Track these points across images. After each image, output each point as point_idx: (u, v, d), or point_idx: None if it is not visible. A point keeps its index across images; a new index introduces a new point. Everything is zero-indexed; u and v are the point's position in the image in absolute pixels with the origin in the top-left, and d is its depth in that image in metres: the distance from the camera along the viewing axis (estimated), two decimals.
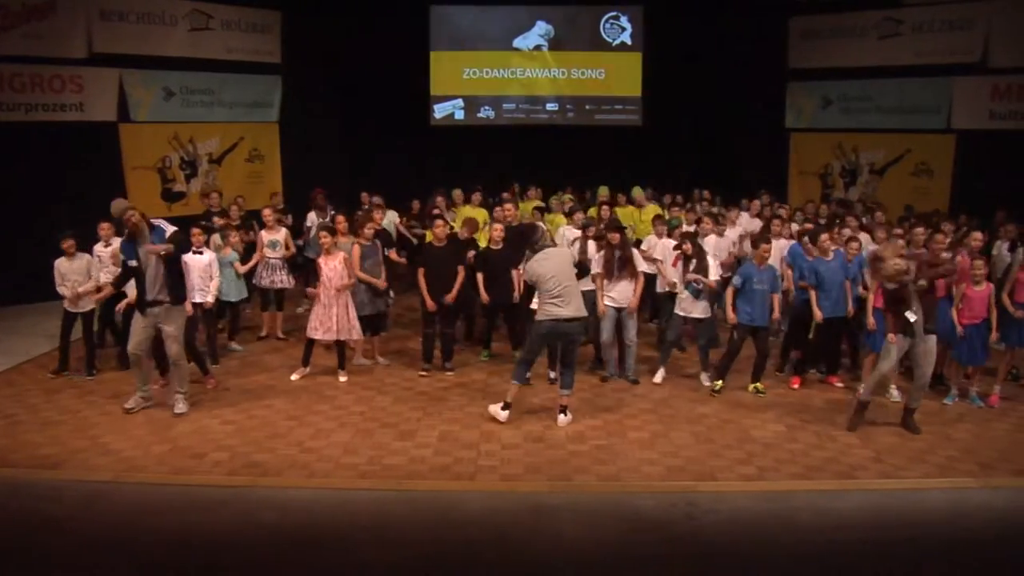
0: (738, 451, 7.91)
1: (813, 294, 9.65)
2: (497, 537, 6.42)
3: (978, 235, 10.09)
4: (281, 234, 11.73)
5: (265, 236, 11.59)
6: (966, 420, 8.80)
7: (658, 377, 9.99)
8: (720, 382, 9.62)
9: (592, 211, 13.05)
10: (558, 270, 8.43)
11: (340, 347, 10.09)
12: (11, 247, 13.10)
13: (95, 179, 14.13)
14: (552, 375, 9.87)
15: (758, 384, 9.62)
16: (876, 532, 6.48)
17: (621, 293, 9.75)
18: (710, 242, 11.30)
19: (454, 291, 10.21)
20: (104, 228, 10.36)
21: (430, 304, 10.14)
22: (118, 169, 15.24)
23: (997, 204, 13.08)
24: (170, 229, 8.67)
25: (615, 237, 9.84)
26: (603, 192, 14.31)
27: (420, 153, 17.78)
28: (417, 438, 8.22)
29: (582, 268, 8.97)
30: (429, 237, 10.90)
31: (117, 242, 10.12)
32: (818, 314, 9.60)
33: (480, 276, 10.49)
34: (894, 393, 9.28)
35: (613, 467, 7.55)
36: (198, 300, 9.99)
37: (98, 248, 10.40)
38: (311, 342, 10.04)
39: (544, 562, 6.03)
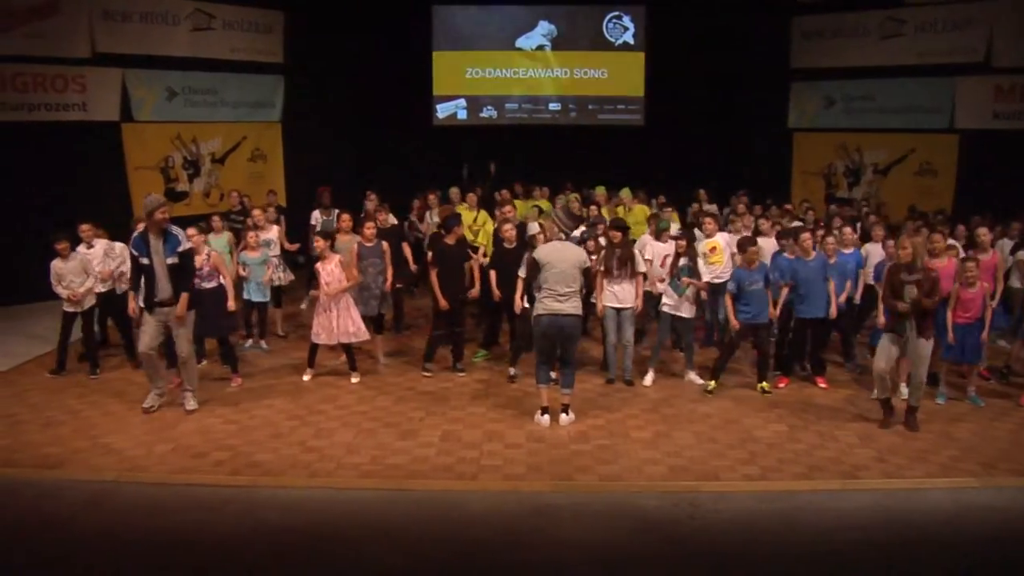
0: (741, 451, 7.91)
1: (784, 291, 9.73)
2: (499, 537, 6.42)
3: (983, 230, 9.99)
4: (273, 232, 11.78)
5: (259, 236, 11.50)
6: (968, 420, 8.78)
7: (647, 379, 9.96)
8: (714, 382, 9.63)
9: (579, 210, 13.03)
10: (564, 264, 8.37)
11: (347, 349, 10.08)
12: (13, 247, 13.10)
13: (98, 179, 14.16)
14: (512, 371, 9.98)
15: (764, 384, 9.62)
16: (878, 532, 6.48)
17: (621, 293, 9.74)
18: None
19: (477, 287, 10.42)
20: (85, 230, 10.34)
21: (443, 304, 10.05)
22: (121, 169, 15.29)
23: (1000, 204, 13.05)
24: (185, 243, 8.65)
25: (616, 235, 9.85)
26: (600, 192, 14.29)
27: (422, 153, 17.77)
28: (420, 438, 8.23)
29: (588, 279, 8.83)
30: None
31: (100, 243, 10.34)
32: (772, 311, 9.66)
33: (493, 274, 10.42)
34: (904, 391, 9.21)
35: (616, 467, 7.55)
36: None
37: (80, 250, 10.30)
38: (315, 346, 10.06)
39: (546, 562, 6.02)
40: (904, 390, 9.20)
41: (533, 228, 10.34)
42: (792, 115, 18.29)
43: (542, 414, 8.62)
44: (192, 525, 6.57)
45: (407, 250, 11.89)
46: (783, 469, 7.53)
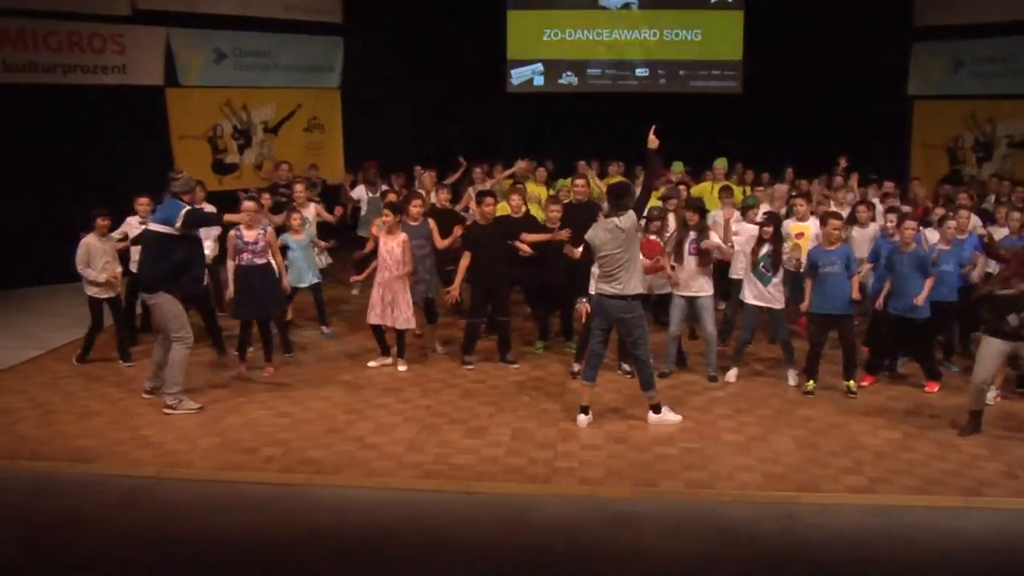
0: (845, 459, 7.82)
1: (862, 273, 9.66)
2: (574, 546, 6.46)
3: None
4: (310, 210, 11.89)
5: (302, 217, 11.49)
6: None
7: (731, 376, 9.97)
8: (812, 382, 9.55)
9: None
10: (616, 246, 8.28)
11: (399, 335, 10.24)
12: (47, 222, 13.31)
13: (139, 149, 14.35)
14: (626, 367, 9.97)
15: (850, 383, 9.49)
16: (1006, 557, 6.37)
17: (692, 283, 9.72)
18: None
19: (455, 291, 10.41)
20: (143, 203, 10.49)
21: (454, 294, 10.40)
22: (165, 138, 15.56)
23: None
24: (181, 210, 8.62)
25: (693, 217, 9.81)
26: (678, 169, 14.21)
27: (495, 123, 17.81)
28: (488, 436, 8.30)
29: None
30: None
31: None
32: (856, 294, 9.55)
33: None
34: (990, 396, 8.92)
35: (704, 473, 7.54)
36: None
37: (133, 221, 10.58)
38: (379, 330, 10.24)
39: (625, 575, 6.05)
40: (991, 395, 8.98)
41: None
42: (912, 80, 17.90)
43: (580, 412, 8.64)
44: (238, 526, 6.73)
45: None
46: (894, 481, 7.42)
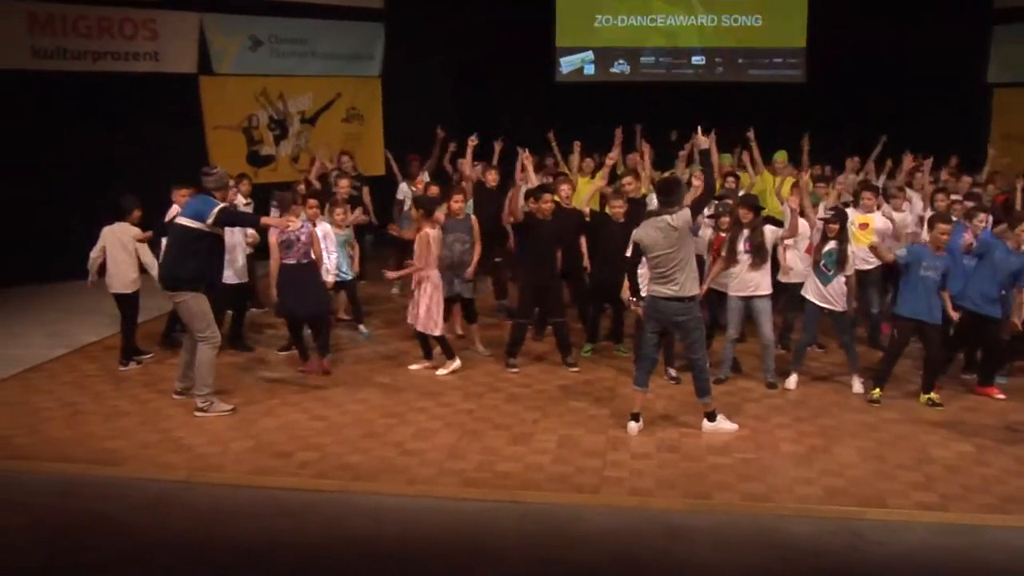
0: (915, 473, 7.73)
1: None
2: (622, 560, 6.44)
3: None
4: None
5: (346, 213, 11.71)
6: None
7: (791, 382, 9.88)
8: (878, 390, 9.42)
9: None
10: (669, 246, 8.20)
11: (439, 337, 10.24)
12: (72, 216, 13.40)
13: (172, 139, 14.47)
14: (672, 372, 9.94)
15: (932, 395, 9.36)
16: None
17: (748, 282, 9.66)
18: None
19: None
20: (184, 194, 10.60)
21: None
22: (199, 128, 15.71)
23: None
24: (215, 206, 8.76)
25: (747, 215, 9.74)
26: (727, 161, 14.13)
27: (543, 114, 17.71)
28: (534, 443, 8.30)
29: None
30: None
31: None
32: (952, 313, 9.39)
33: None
34: None
35: (761, 485, 7.48)
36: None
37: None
38: (421, 333, 10.27)
39: None
40: None
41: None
42: (993, 66, 17.61)
43: (630, 419, 8.60)
44: (270, 533, 6.77)
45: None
46: (968, 498, 7.31)
